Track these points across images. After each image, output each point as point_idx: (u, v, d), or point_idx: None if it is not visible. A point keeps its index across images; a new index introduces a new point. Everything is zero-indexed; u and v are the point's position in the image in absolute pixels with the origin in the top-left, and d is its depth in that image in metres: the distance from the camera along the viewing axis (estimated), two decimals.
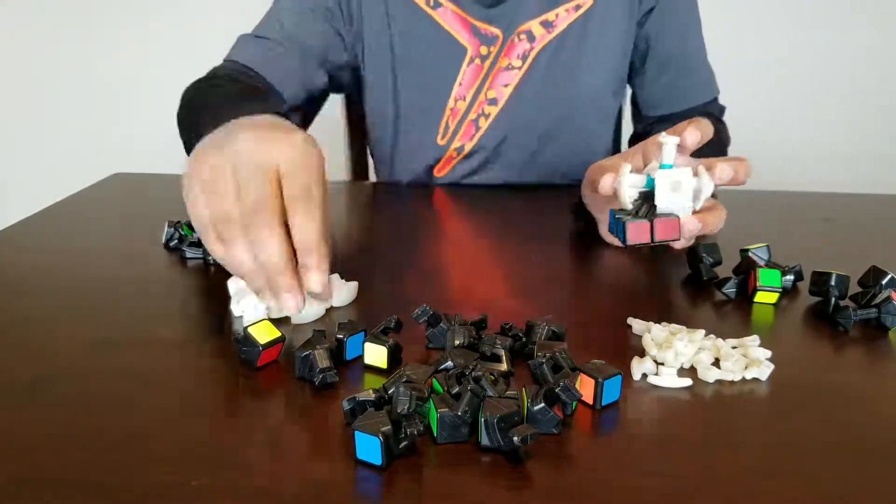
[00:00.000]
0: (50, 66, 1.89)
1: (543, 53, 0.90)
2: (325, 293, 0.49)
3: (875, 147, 1.85)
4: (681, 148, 0.58)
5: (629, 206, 0.57)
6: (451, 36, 0.89)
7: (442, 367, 0.44)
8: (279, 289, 0.47)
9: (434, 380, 0.43)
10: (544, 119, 0.94)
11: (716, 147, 0.87)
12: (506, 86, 0.91)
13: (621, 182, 0.57)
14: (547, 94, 0.92)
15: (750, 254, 0.62)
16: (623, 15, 0.91)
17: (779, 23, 1.78)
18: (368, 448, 0.37)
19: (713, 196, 0.58)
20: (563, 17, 0.89)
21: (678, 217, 0.55)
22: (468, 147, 0.95)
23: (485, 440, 0.38)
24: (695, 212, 0.57)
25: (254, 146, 0.48)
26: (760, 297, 0.58)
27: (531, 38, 0.89)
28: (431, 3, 0.89)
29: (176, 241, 0.68)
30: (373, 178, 1.14)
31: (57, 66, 1.89)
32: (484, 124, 0.93)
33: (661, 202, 0.55)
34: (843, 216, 0.83)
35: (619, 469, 0.37)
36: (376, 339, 0.47)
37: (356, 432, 0.37)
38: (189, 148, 0.61)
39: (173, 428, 0.40)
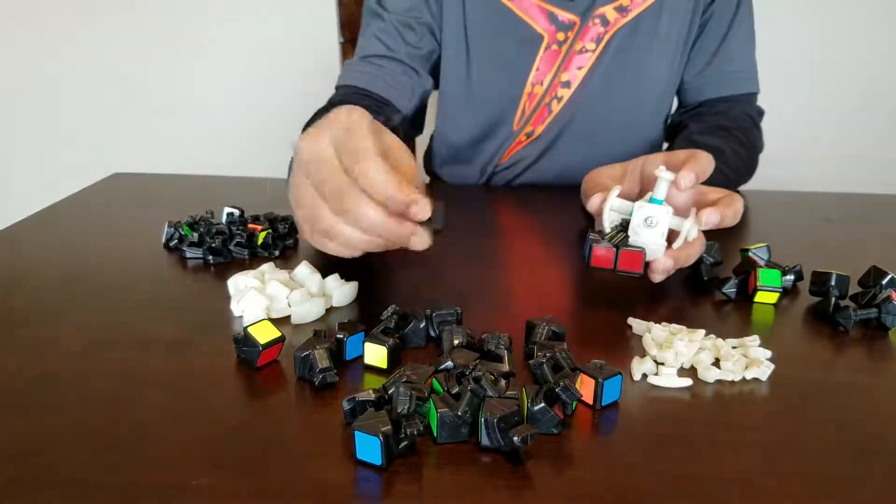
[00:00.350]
0: (50, 66, 1.89)
1: (616, 37, 0.91)
2: (426, 214, 0.48)
3: (875, 147, 1.85)
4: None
5: (607, 230, 0.58)
6: (527, 24, 0.90)
7: (442, 367, 0.44)
8: (402, 240, 0.48)
9: (434, 380, 0.43)
10: (610, 108, 0.94)
11: (742, 161, 0.86)
12: (580, 68, 0.92)
13: (605, 205, 0.58)
14: (616, 80, 0.93)
15: (750, 254, 0.62)
16: (689, 8, 0.92)
17: (779, 22, 1.77)
18: (368, 448, 0.37)
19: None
20: (637, 3, 0.90)
21: (643, 252, 0.55)
22: (539, 130, 0.96)
23: (485, 440, 0.38)
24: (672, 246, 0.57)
25: (308, 143, 0.49)
26: (761, 296, 0.58)
27: (605, 22, 0.90)
28: None
29: (176, 241, 0.68)
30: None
31: (57, 65, 1.89)
32: (556, 107, 0.94)
33: (634, 235, 0.56)
34: (843, 216, 0.83)
35: (619, 469, 0.37)
36: (376, 339, 0.47)
37: (356, 432, 0.37)
38: None
39: (173, 428, 0.40)
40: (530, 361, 0.45)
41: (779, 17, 1.77)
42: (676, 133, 0.98)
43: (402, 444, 0.37)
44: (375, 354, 0.47)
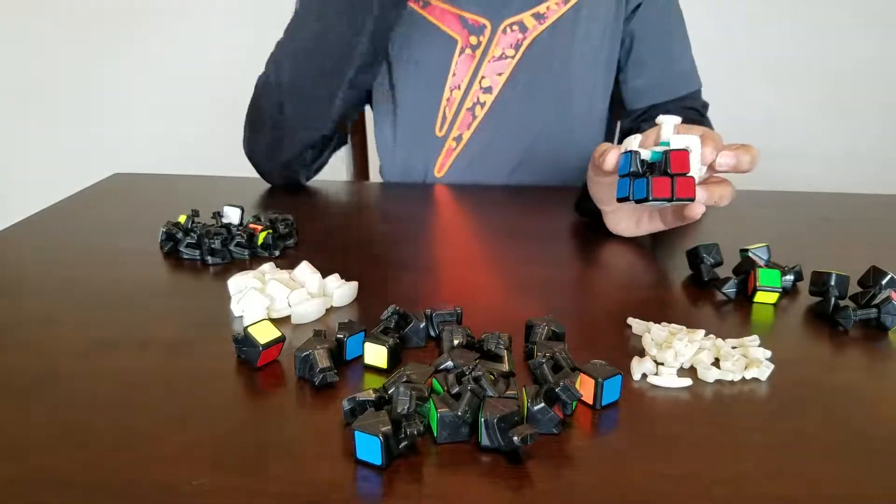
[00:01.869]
0: (50, 67, 1.89)
1: (536, 44, 0.92)
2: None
3: (875, 147, 1.85)
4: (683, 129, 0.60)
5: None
6: (440, 30, 0.92)
7: (442, 367, 0.44)
8: None
9: (434, 380, 0.43)
10: (538, 112, 0.96)
11: None
12: (499, 74, 0.93)
13: (629, 145, 0.59)
14: (540, 85, 0.94)
15: (750, 254, 0.62)
16: (610, 12, 0.94)
17: (779, 22, 1.78)
18: (368, 448, 0.37)
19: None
20: (553, 10, 0.92)
21: (694, 177, 0.56)
22: (466, 136, 0.97)
23: (485, 440, 0.38)
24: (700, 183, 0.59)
25: None
26: (760, 297, 0.58)
27: (523, 28, 0.92)
28: (421, 3, 0.92)
29: (175, 241, 0.68)
30: (373, 177, 1.14)
31: (57, 66, 1.89)
32: (480, 112, 0.95)
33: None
34: (843, 216, 0.83)
35: (619, 469, 0.37)
36: (376, 339, 0.47)
37: (356, 432, 0.37)
38: None
39: (173, 428, 0.40)
40: (530, 361, 0.45)
41: (778, 16, 1.77)
42: (627, 132, 1.00)
43: (403, 444, 0.37)
44: (375, 354, 0.47)
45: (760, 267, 0.59)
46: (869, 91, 1.81)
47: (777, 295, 0.58)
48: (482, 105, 0.95)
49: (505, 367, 0.44)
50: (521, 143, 0.97)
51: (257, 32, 1.83)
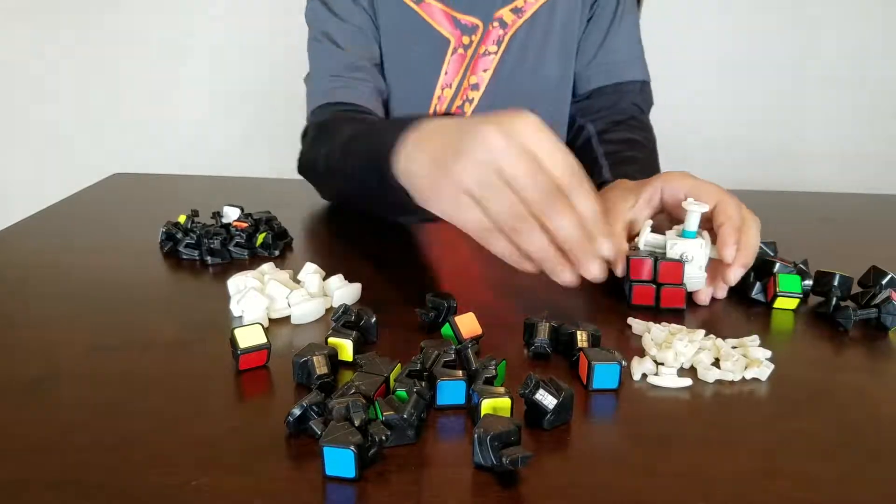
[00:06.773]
0: (50, 66, 1.89)
1: (515, 39, 0.94)
2: (616, 258, 0.52)
3: (875, 147, 1.85)
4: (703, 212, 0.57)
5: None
6: (434, 29, 0.93)
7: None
8: (587, 258, 0.48)
9: (400, 390, 0.41)
10: (516, 102, 0.96)
11: (653, 164, 0.87)
12: (485, 71, 0.95)
13: (640, 240, 0.58)
14: (520, 78, 0.95)
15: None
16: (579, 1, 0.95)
17: (780, 22, 1.77)
18: (339, 462, 0.36)
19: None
20: (530, 4, 0.93)
21: (684, 288, 0.55)
22: None
23: (477, 457, 0.37)
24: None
25: (503, 141, 0.46)
26: (780, 303, 0.57)
27: (503, 24, 0.93)
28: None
29: (174, 241, 0.68)
30: None
31: (57, 65, 1.89)
32: (469, 109, 0.96)
33: None
34: (843, 216, 0.83)
35: (619, 469, 0.37)
36: (339, 333, 0.47)
37: (325, 448, 0.36)
38: (383, 161, 0.56)
39: (173, 428, 0.40)
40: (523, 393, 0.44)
41: (779, 17, 1.77)
42: (573, 127, 0.99)
43: (371, 451, 0.37)
44: (340, 349, 0.47)
45: (779, 269, 0.58)
46: (870, 91, 1.81)
47: (797, 301, 0.57)
48: (470, 102, 0.96)
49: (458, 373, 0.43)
50: None
51: (261, 32, 1.84)
